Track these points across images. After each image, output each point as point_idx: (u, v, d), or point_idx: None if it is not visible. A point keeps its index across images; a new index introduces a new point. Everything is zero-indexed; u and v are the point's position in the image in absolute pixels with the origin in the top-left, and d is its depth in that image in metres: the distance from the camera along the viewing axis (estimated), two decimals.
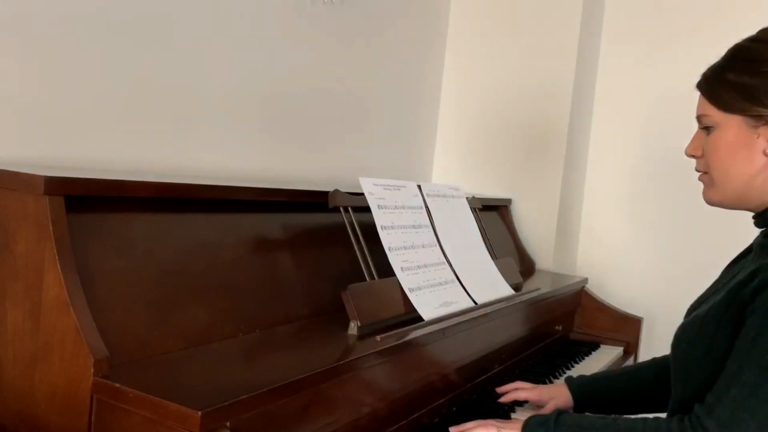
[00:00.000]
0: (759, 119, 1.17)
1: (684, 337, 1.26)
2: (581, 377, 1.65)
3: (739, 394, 1.06)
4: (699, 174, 1.29)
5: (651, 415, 1.22)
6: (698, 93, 1.27)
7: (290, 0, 2.07)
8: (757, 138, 1.18)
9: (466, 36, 2.90)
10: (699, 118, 1.26)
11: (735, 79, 1.19)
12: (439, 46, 2.90)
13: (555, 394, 1.62)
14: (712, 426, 1.06)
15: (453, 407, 1.63)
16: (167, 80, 1.73)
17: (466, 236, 1.96)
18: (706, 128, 1.25)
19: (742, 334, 1.10)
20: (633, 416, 1.24)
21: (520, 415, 1.65)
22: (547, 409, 1.60)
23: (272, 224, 1.54)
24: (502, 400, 1.68)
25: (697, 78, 1.28)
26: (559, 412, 1.24)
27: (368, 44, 2.45)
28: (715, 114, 1.22)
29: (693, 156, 1.29)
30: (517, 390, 1.68)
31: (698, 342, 1.20)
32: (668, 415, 1.30)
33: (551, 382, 1.89)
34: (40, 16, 1.44)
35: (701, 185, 1.29)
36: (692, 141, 1.29)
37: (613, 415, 1.29)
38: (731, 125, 1.20)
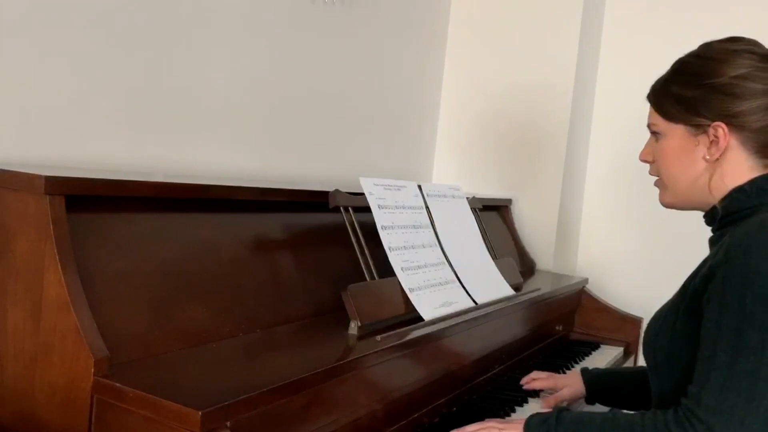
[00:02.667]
0: (698, 128, 1.27)
1: (650, 330, 1.34)
2: (596, 369, 1.74)
3: (719, 377, 1.09)
4: (655, 179, 1.39)
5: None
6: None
7: (290, 0, 2.07)
8: (697, 145, 1.28)
9: (467, 36, 2.90)
10: (648, 126, 1.37)
11: (678, 92, 1.29)
12: (439, 45, 2.90)
13: (569, 382, 1.73)
14: (703, 413, 1.09)
15: (453, 407, 1.64)
16: (168, 80, 1.73)
17: (466, 236, 1.96)
18: (655, 135, 1.36)
19: (705, 321, 1.15)
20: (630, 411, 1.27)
21: (521, 415, 1.65)
22: (561, 396, 1.71)
23: (272, 224, 1.54)
24: (525, 387, 1.79)
25: None
26: (560, 410, 1.26)
27: (368, 44, 2.45)
28: (661, 123, 1.33)
29: (645, 161, 1.41)
30: (534, 380, 1.79)
31: (661, 334, 1.28)
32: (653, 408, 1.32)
33: None
34: (41, 16, 1.44)
35: None
36: (644, 148, 1.41)
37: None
38: (675, 134, 1.31)
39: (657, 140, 1.35)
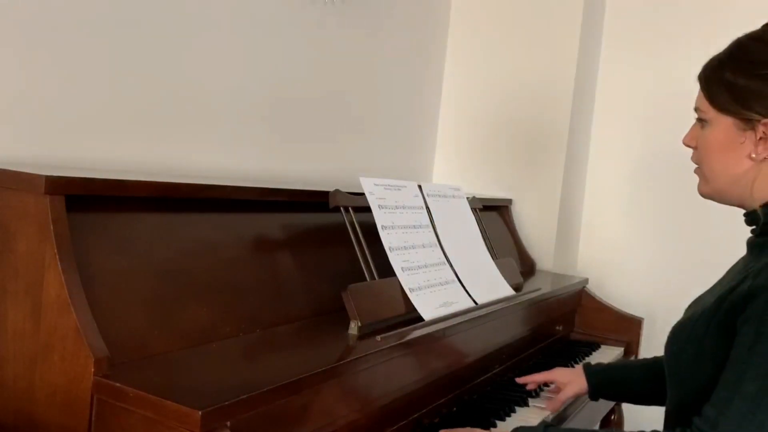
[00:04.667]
0: (748, 123, 1.17)
1: (675, 339, 1.26)
2: (599, 365, 1.68)
3: (742, 406, 1.04)
4: (695, 168, 1.30)
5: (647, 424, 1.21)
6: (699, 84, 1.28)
7: (290, 0, 2.07)
8: (743, 142, 1.18)
9: (467, 36, 2.90)
10: (695, 110, 1.27)
11: (731, 79, 1.18)
12: (439, 46, 2.90)
13: (572, 379, 1.66)
14: None
15: (453, 407, 1.63)
16: (168, 81, 1.73)
17: (466, 236, 1.96)
18: (701, 122, 1.26)
19: (738, 343, 1.09)
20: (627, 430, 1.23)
21: (520, 415, 1.66)
22: (565, 396, 1.66)
23: (273, 224, 1.54)
24: (529, 387, 1.76)
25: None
26: (546, 425, 1.24)
27: (369, 44, 2.45)
28: (708, 110, 1.22)
29: (688, 146, 1.30)
30: (535, 374, 1.75)
31: (688, 345, 1.21)
32: (666, 417, 1.30)
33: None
34: (41, 16, 1.44)
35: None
36: (689, 131, 1.30)
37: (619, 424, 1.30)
38: (722, 124, 1.20)
39: (702, 127, 1.25)
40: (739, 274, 1.20)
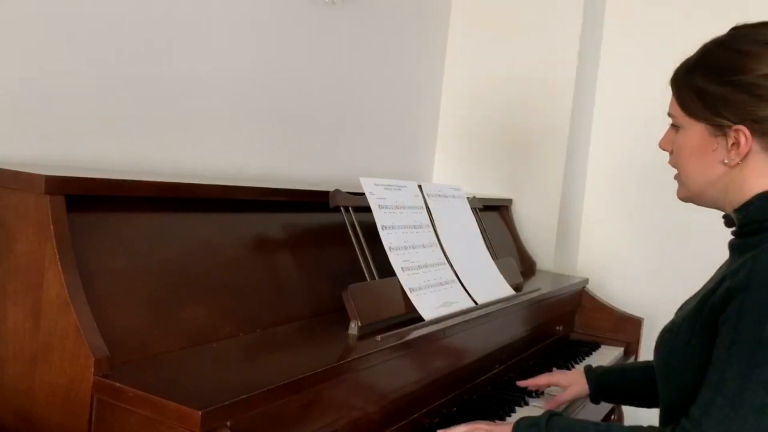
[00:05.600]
0: (719, 129, 1.17)
1: (663, 342, 1.27)
2: (600, 367, 1.68)
3: (724, 405, 1.05)
4: (675, 173, 1.30)
5: (645, 424, 1.21)
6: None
7: (291, 0, 2.07)
8: (716, 148, 1.19)
9: (467, 35, 2.90)
10: (668, 114, 1.28)
11: (701, 85, 1.19)
12: (439, 45, 2.90)
13: (572, 381, 1.67)
14: None
15: (453, 407, 1.63)
16: (168, 80, 1.73)
17: (466, 236, 1.96)
18: (674, 127, 1.27)
19: (718, 343, 1.10)
20: (628, 425, 1.23)
21: (521, 415, 1.65)
22: (564, 397, 1.67)
23: (273, 224, 1.54)
24: (530, 388, 1.75)
25: None
26: (551, 414, 1.24)
27: (369, 44, 2.45)
28: (680, 116, 1.23)
29: (664, 149, 1.31)
30: (536, 377, 1.75)
31: (675, 349, 1.22)
32: (660, 418, 1.30)
33: None
34: (40, 16, 1.44)
35: None
36: (665, 135, 1.30)
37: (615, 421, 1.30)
38: (694, 131, 1.21)
39: (676, 132, 1.25)
40: (720, 275, 1.21)
